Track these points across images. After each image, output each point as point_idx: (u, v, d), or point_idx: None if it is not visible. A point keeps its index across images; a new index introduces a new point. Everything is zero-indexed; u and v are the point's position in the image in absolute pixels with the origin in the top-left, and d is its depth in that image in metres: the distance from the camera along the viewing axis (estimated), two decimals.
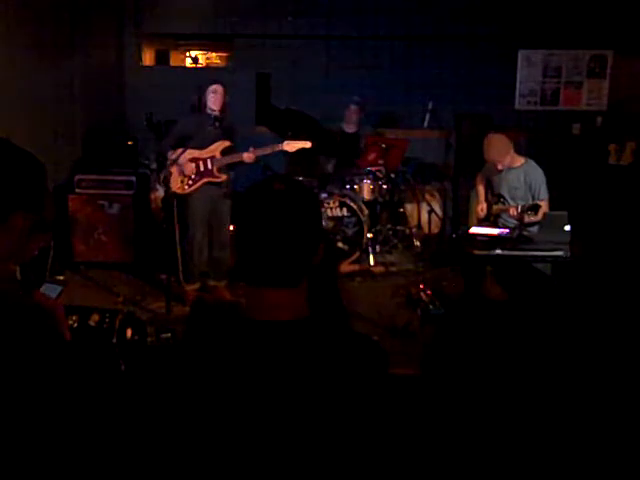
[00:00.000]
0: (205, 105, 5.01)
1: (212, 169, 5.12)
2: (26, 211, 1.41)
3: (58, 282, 1.97)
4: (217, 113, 4.99)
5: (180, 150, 4.93)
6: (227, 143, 5.14)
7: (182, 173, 5.05)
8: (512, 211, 4.92)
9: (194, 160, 5.05)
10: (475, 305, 4.68)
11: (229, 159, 5.14)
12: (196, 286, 5.33)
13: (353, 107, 6.86)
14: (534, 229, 4.88)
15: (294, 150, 5.22)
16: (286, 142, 5.21)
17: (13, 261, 1.46)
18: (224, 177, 5.16)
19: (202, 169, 5.10)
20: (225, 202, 5.23)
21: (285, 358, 1.27)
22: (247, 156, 5.08)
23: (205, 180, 5.11)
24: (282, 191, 1.32)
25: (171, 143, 5.09)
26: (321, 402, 1.25)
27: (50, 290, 1.91)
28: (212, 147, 5.10)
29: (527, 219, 4.78)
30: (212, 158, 5.11)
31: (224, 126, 5.07)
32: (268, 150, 5.17)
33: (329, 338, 1.33)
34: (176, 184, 5.04)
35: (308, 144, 5.23)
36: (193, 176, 5.08)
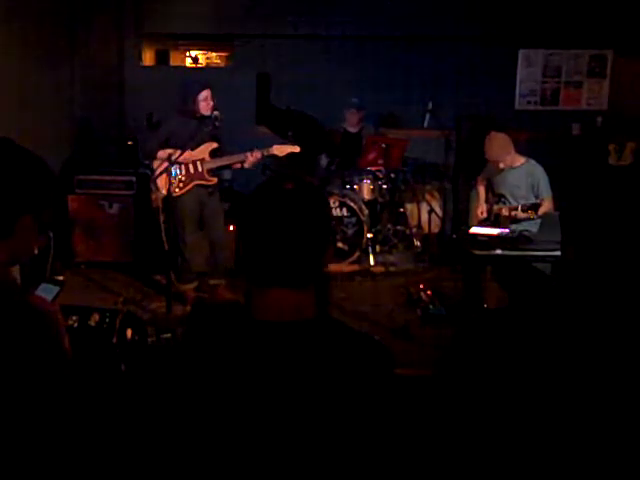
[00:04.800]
0: (198, 110, 5.00)
1: (202, 171, 5.10)
2: (34, 214, 1.41)
3: (56, 282, 1.95)
4: (214, 114, 4.99)
5: (177, 152, 4.88)
6: (214, 145, 5.12)
7: (174, 175, 5.02)
8: (505, 211, 4.94)
9: (184, 162, 5.02)
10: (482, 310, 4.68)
11: (219, 162, 5.13)
12: (193, 286, 5.32)
13: (353, 110, 6.86)
14: (534, 229, 4.89)
15: (283, 154, 5.21)
16: (275, 146, 5.20)
17: (14, 261, 1.47)
18: (214, 180, 5.15)
19: (192, 172, 5.09)
20: (213, 200, 5.22)
21: (288, 358, 1.27)
22: (246, 161, 5.09)
23: (195, 183, 5.09)
24: (293, 191, 1.31)
25: (159, 141, 5.05)
26: (327, 403, 1.25)
27: (47, 291, 1.90)
28: (201, 148, 5.07)
29: (524, 216, 4.79)
30: (202, 160, 5.09)
31: (213, 127, 5.06)
32: (259, 155, 5.12)
33: (333, 338, 1.32)
34: (167, 186, 5.00)
35: (297, 148, 5.23)
36: (183, 178, 5.07)
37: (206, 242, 5.29)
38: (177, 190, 5.05)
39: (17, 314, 1.35)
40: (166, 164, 4.85)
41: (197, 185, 5.10)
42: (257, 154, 5.09)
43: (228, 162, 5.17)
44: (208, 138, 5.09)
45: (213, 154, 5.13)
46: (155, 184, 5.00)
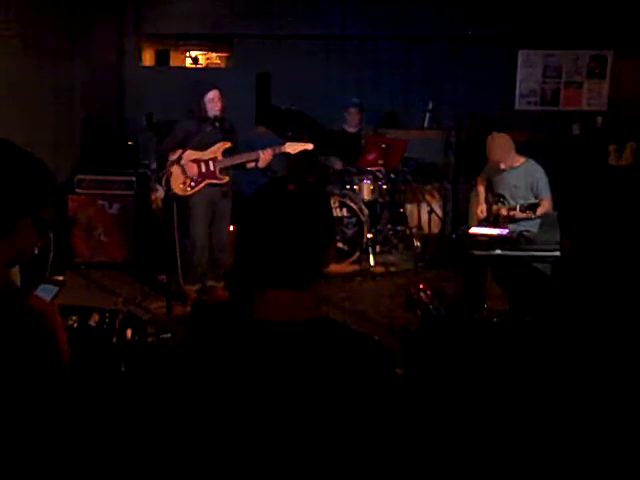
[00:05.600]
0: (205, 110, 5.00)
1: (214, 171, 5.09)
2: (33, 216, 1.42)
3: (56, 282, 1.95)
4: (218, 114, 4.99)
5: (180, 151, 4.92)
6: (228, 144, 5.11)
7: (184, 174, 5.03)
8: (504, 211, 4.95)
9: (196, 161, 5.03)
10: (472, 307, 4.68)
11: (231, 161, 5.12)
12: (197, 287, 5.32)
13: (352, 109, 6.86)
14: (534, 229, 4.89)
15: (295, 152, 5.19)
16: (288, 144, 5.17)
17: (13, 262, 1.47)
18: (226, 179, 5.14)
19: (204, 170, 5.08)
20: (224, 202, 5.22)
21: (289, 358, 1.27)
22: (259, 160, 5.08)
23: (207, 182, 5.08)
24: (295, 192, 1.31)
25: (171, 144, 5.07)
26: (327, 403, 1.25)
27: (46, 291, 1.88)
28: (213, 148, 5.07)
29: (522, 215, 4.80)
30: (214, 160, 5.08)
31: (225, 127, 5.06)
32: (271, 154, 5.10)
33: (333, 339, 1.32)
34: (177, 185, 5.02)
35: (310, 146, 5.20)
36: (195, 177, 5.06)
37: (209, 242, 5.28)
38: (188, 189, 5.05)
39: (15, 315, 1.36)
40: (176, 166, 4.88)
41: (209, 184, 5.10)
42: (269, 152, 5.08)
43: (240, 161, 5.14)
44: (220, 138, 5.08)
45: (226, 154, 5.12)
46: (168, 185, 4.98)
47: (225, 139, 5.10)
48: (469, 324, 4.24)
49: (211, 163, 5.08)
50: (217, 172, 5.10)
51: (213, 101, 4.99)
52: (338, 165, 6.71)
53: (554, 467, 1.47)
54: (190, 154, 4.95)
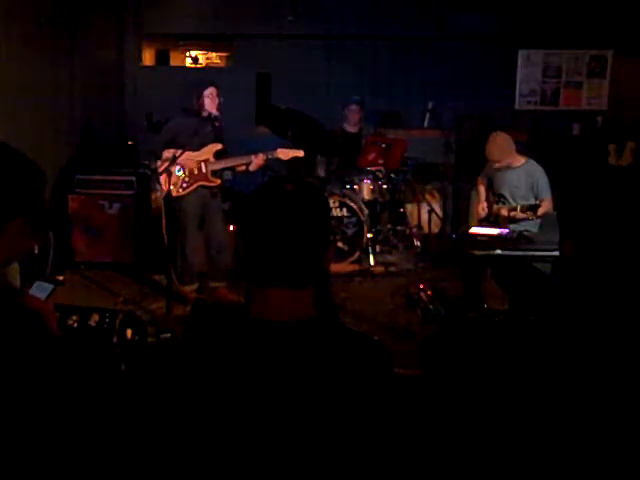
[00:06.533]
0: (202, 107, 4.99)
1: (206, 173, 5.08)
2: (24, 217, 1.41)
3: (51, 281, 1.93)
4: (214, 114, 4.99)
5: (179, 152, 4.88)
6: (219, 146, 5.10)
7: (177, 175, 5.02)
8: (505, 211, 4.95)
9: (190, 162, 5.02)
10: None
11: (224, 163, 5.11)
12: (194, 287, 5.31)
13: (353, 107, 6.86)
14: (534, 229, 4.89)
15: (287, 158, 5.20)
16: (280, 150, 5.18)
17: (6, 263, 1.46)
18: (218, 181, 5.13)
19: (196, 172, 5.07)
20: (215, 202, 5.21)
21: (287, 358, 1.27)
22: (251, 164, 5.07)
23: (199, 184, 5.07)
24: (293, 192, 1.31)
25: (163, 142, 5.05)
26: (326, 403, 1.25)
27: (41, 289, 1.86)
28: (205, 150, 5.04)
29: (523, 216, 4.80)
30: (206, 161, 5.08)
31: (217, 127, 5.06)
32: (263, 158, 5.11)
33: (332, 339, 1.32)
34: (169, 185, 4.99)
35: (301, 153, 5.20)
36: (187, 179, 5.05)
37: (206, 243, 5.28)
38: (180, 190, 5.04)
39: (11, 315, 1.35)
40: (168, 164, 4.85)
41: (200, 186, 5.09)
42: (262, 157, 5.08)
43: (233, 164, 5.14)
44: (212, 139, 5.07)
45: (218, 155, 5.11)
46: (159, 183, 4.99)
47: (217, 140, 5.10)
48: (469, 324, 4.24)
49: (203, 165, 5.07)
50: (209, 174, 5.08)
51: (211, 97, 4.98)
52: (321, 172, 6.72)
53: (555, 465, 1.47)
54: (186, 154, 4.93)
